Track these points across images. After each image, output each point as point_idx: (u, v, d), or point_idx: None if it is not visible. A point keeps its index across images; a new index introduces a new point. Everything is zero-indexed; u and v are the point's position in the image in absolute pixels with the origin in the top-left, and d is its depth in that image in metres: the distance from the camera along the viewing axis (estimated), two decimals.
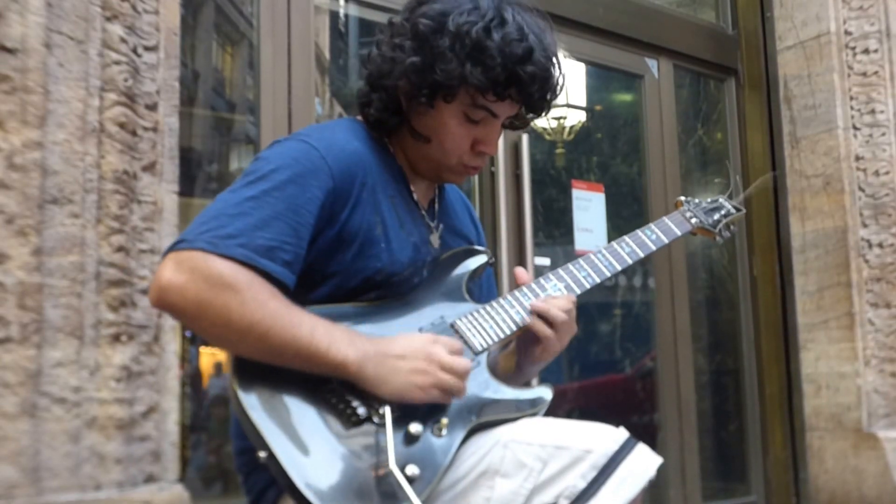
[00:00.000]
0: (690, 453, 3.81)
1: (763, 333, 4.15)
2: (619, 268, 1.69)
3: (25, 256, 1.83)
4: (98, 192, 1.97)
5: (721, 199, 1.94)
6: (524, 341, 1.63)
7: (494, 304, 1.58)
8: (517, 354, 1.66)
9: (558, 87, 1.58)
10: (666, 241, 1.77)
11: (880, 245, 3.76)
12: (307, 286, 1.45)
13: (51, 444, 1.83)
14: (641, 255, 1.72)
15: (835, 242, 3.81)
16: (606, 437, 1.42)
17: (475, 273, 1.66)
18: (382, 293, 1.51)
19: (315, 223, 1.42)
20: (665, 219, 1.81)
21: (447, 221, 1.70)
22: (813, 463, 3.82)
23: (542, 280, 1.64)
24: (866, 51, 3.86)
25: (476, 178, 3.46)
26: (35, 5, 1.89)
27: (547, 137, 4.03)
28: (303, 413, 1.35)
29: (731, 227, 1.94)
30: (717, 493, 4.10)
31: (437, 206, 1.69)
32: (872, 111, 3.82)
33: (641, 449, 1.43)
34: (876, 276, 3.76)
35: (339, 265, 1.47)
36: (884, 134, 3.80)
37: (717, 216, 1.89)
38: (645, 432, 3.83)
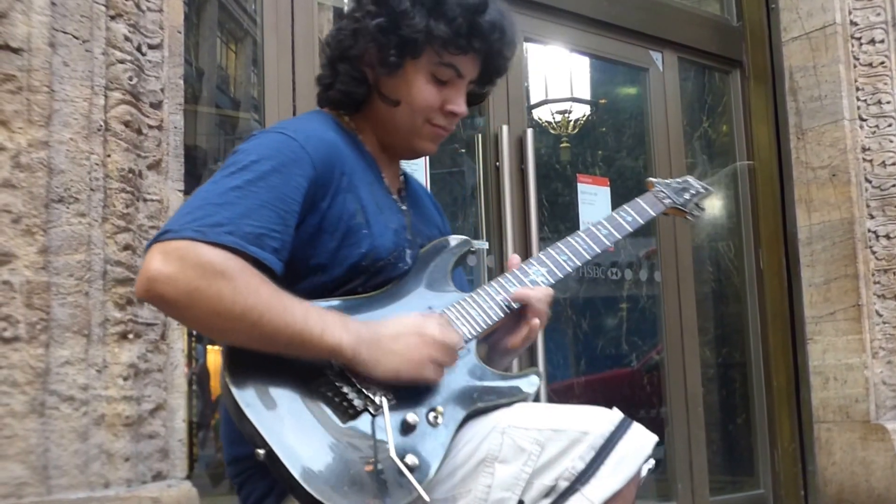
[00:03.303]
0: (698, 447, 3.80)
1: (770, 326, 4.14)
2: (598, 250, 1.72)
3: (32, 255, 1.83)
4: (104, 191, 1.97)
5: (689, 179, 1.98)
6: (494, 334, 1.64)
7: (480, 291, 1.59)
8: (487, 347, 1.66)
9: (515, 44, 1.65)
10: (641, 221, 1.80)
11: (887, 236, 3.75)
12: (293, 277, 1.44)
13: (59, 443, 1.83)
14: (619, 236, 1.76)
15: (841, 234, 3.80)
16: (602, 418, 1.43)
17: (459, 262, 1.68)
18: (368, 280, 1.52)
19: (300, 211, 1.42)
20: (638, 200, 1.84)
21: (415, 209, 1.72)
22: (821, 455, 3.81)
23: (524, 266, 1.66)
24: (872, 41, 3.84)
25: (481, 172, 3.46)
26: (39, 5, 1.89)
27: (552, 131, 4.03)
28: (299, 408, 1.33)
29: (700, 206, 1.98)
30: (725, 487, 4.09)
31: (404, 194, 1.71)
32: (879, 102, 3.81)
33: (637, 428, 1.44)
34: (883, 267, 3.75)
35: (324, 255, 1.47)
36: (890, 125, 3.79)
37: (686, 196, 1.93)
38: (652, 426, 3.81)
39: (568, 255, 1.69)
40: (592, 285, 3.88)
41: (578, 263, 1.69)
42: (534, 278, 1.63)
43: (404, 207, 1.66)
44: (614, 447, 1.39)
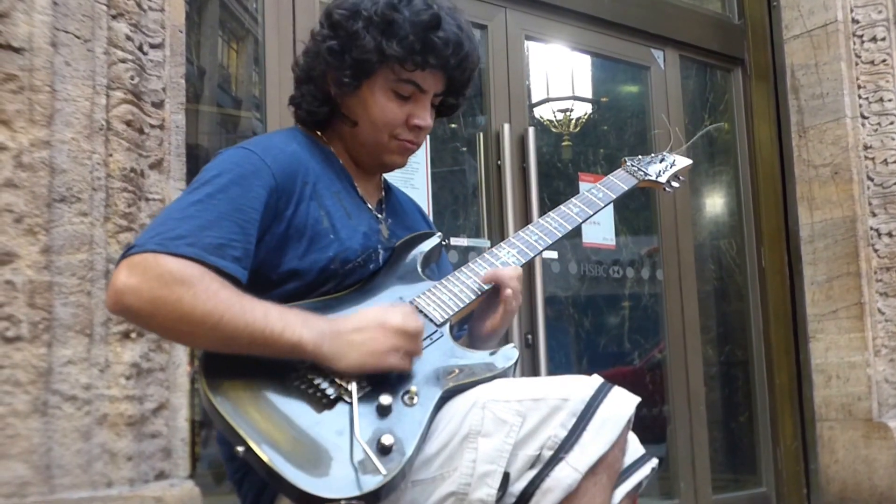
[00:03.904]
0: (700, 445, 3.80)
1: (772, 324, 4.14)
2: (569, 227, 1.74)
3: (34, 255, 1.83)
4: (106, 190, 1.97)
5: (665, 153, 2.02)
6: (473, 321, 1.66)
7: (451, 277, 1.62)
8: (468, 335, 1.69)
9: (476, 58, 1.65)
10: (613, 196, 1.83)
11: (889, 234, 3.74)
12: (265, 286, 1.47)
13: (62, 442, 1.84)
14: (590, 212, 1.78)
15: (843, 232, 3.80)
16: (581, 384, 1.43)
17: (430, 255, 1.70)
18: (340, 283, 1.54)
19: (261, 220, 1.46)
20: (610, 176, 1.88)
21: (395, 218, 1.74)
22: (823, 453, 3.81)
23: (494, 249, 1.68)
24: (874, 39, 3.84)
25: (482, 171, 3.46)
26: (41, 4, 1.89)
27: (553, 130, 4.02)
28: (274, 403, 1.36)
29: (680, 177, 2.01)
30: (728, 485, 4.09)
31: (384, 205, 1.74)
32: (880, 100, 3.81)
33: (617, 391, 1.44)
34: (885, 265, 3.75)
35: (292, 262, 1.50)
36: (892, 122, 3.78)
37: (661, 167, 1.97)
38: (654, 424, 3.83)
39: (539, 234, 1.72)
40: (594, 283, 3.88)
41: (550, 241, 1.71)
42: (505, 260, 1.66)
43: (380, 216, 1.69)
44: (595, 412, 1.39)
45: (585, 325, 3.91)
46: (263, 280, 1.48)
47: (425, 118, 1.63)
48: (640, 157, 1.97)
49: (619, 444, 1.41)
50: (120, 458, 1.92)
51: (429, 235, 1.72)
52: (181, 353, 2.13)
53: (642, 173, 1.92)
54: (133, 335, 1.98)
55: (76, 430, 1.86)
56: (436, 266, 1.76)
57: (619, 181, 1.87)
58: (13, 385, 1.78)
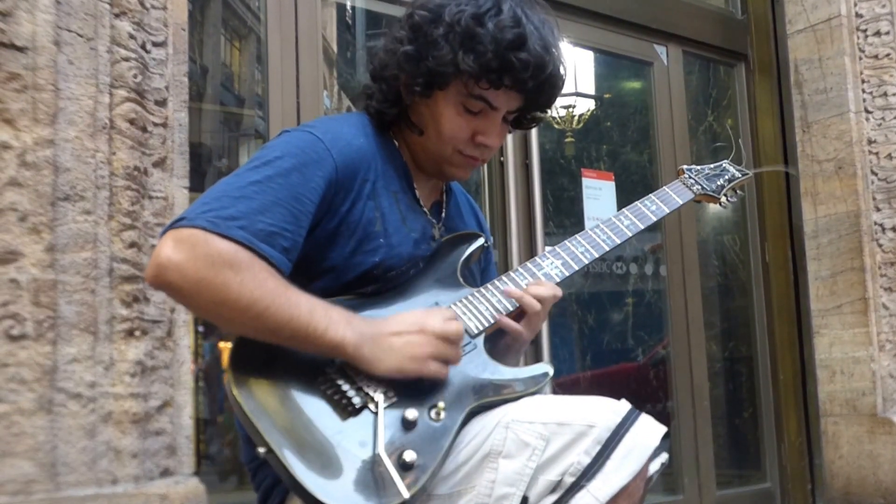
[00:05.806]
0: (704, 441, 3.80)
1: (776, 320, 4.13)
2: (618, 241, 1.66)
3: (39, 253, 1.84)
4: (109, 189, 1.97)
5: (725, 164, 1.91)
6: (496, 334, 1.61)
7: (489, 286, 1.57)
8: (491, 345, 1.64)
9: (558, 80, 1.56)
10: (667, 210, 1.74)
11: (893, 229, 3.73)
12: (304, 278, 1.44)
13: (67, 440, 1.84)
14: (642, 227, 1.69)
15: (847, 227, 3.79)
16: (608, 410, 1.41)
17: (470, 258, 1.64)
18: (381, 287, 1.51)
19: (315, 213, 1.42)
20: (666, 188, 1.78)
21: (450, 223, 1.69)
22: (828, 449, 3.81)
23: (538, 259, 1.63)
24: (878, 33, 3.83)
25: (485, 168, 3.46)
26: (44, 3, 1.89)
27: (556, 126, 4.02)
28: (300, 407, 1.34)
29: (738, 191, 1.90)
30: (732, 481, 4.09)
31: (442, 207, 1.69)
32: (885, 94, 3.80)
33: (644, 420, 1.42)
34: (889, 260, 3.74)
35: (337, 259, 1.47)
36: None
37: (720, 181, 1.86)
38: (658, 420, 3.82)
39: (586, 246, 1.64)
40: (598, 280, 3.88)
41: (596, 255, 1.64)
42: (547, 271, 1.60)
43: (435, 220, 1.64)
44: (620, 441, 1.37)
45: (589, 321, 3.91)
46: (304, 272, 1.45)
47: (491, 137, 1.56)
48: (699, 167, 1.87)
49: (642, 475, 1.39)
50: (125, 456, 1.92)
51: (474, 237, 1.66)
52: (185, 351, 2.14)
53: (699, 187, 1.82)
54: (137, 333, 1.99)
55: (81, 427, 1.86)
56: (476, 268, 1.72)
57: (675, 194, 1.77)
58: (18, 383, 1.79)
